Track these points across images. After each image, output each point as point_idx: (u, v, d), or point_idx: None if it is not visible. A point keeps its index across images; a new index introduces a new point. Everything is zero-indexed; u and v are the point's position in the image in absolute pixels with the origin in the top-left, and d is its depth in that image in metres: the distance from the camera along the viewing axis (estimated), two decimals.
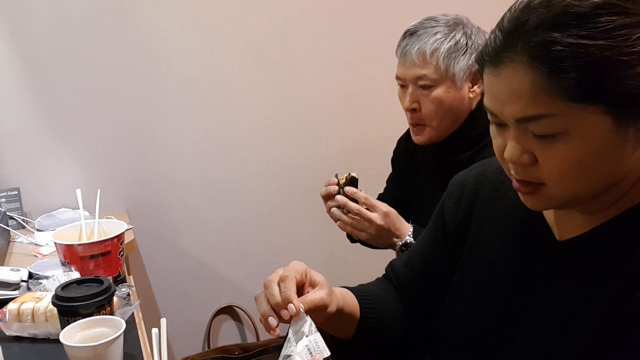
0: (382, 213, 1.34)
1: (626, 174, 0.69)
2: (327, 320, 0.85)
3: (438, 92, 1.35)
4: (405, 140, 1.67)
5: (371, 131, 2.26)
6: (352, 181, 1.38)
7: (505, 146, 0.70)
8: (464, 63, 1.34)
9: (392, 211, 1.35)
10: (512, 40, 0.65)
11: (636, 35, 0.61)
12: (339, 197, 1.38)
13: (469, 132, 1.40)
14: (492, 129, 0.74)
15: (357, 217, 1.36)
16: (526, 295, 0.78)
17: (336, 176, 1.40)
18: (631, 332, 0.65)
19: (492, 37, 0.69)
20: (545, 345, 0.74)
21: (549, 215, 0.80)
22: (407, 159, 1.64)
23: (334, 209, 1.40)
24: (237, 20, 2.07)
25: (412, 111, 1.39)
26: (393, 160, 1.71)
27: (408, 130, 1.67)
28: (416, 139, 1.43)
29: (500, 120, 0.70)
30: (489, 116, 0.72)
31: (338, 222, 1.41)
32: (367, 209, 1.36)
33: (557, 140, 0.65)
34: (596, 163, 0.66)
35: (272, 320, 0.78)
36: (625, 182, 0.70)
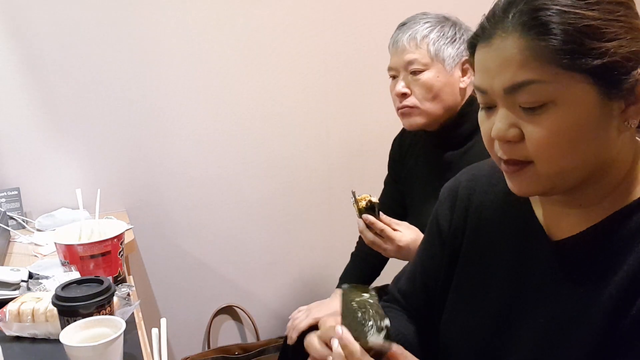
0: (396, 247, 1.34)
1: (613, 161, 0.70)
2: None
3: (428, 75, 1.39)
4: (399, 140, 1.68)
5: (371, 131, 2.26)
6: (372, 208, 1.37)
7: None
8: (453, 51, 1.40)
9: (412, 243, 1.33)
10: (505, 13, 0.69)
11: (621, 12, 0.66)
12: (359, 222, 1.39)
13: (460, 127, 1.42)
14: (481, 114, 0.75)
15: (373, 244, 1.38)
16: (524, 298, 0.78)
17: (353, 194, 1.39)
18: None
19: (484, 18, 0.73)
20: (546, 348, 0.73)
21: (541, 215, 0.80)
22: (401, 159, 1.65)
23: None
24: (237, 20, 2.07)
25: (402, 96, 1.42)
26: (389, 161, 1.72)
27: (402, 130, 1.68)
28: (405, 122, 1.45)
29: (489, 100, 0.72)
30: (478, 99, 0.74)
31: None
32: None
33: (543, 111, 0.67)
34: (582, 137, 0.67)
35: None
36: (613, 173, 0.71)
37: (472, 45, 0.74)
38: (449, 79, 1.40)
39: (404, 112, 1.43)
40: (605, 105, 0.66)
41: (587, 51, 0.65)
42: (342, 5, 2.16)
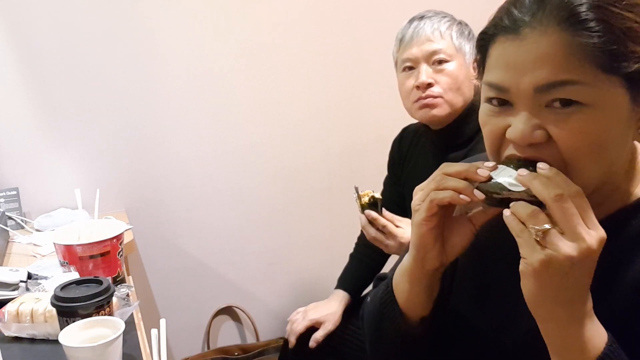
0: (398, 243, 1.34)
1: (616, 171, 0.68)
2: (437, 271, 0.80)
3: (452, 66, 1.39)
4: (399, 141, 1.67)
5: (371, 131, 2.26)
6: (374, 203, 1.36)
7: (505, 127, 0.67)
8: (469, 47, 1.41)
9: None
10: (538, 5, 0.63)
11: None
12: (361, 218, 1.38)
13: (465, 125, 1.41)
14: (488, 110, 0.69)
15: (375, 240, 1.37)
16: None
17: (356, 190, 1.38)
18: None
19: (509, 5, 0.66)
20: None
21: None
22: (401, 160, 1.64)
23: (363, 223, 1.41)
24: (237, 20, 2.06)
25: (426, 87, 1.39)
26: (388, 162, 1.71)
27: (402, 131, 1.68)
28: (428, 113, 1.41)
29: (507, 97, 0.66)
30: (491, 94, 0.68)
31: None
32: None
33: (576, 112, 0.62)
34: (609, 143, 0.64)
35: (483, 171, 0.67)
36: (612, 182, 0.69)
37: (491, 36, 0.67)
38: (467, 74, 1.41)
39: (429, 102, 1.40)
40: (632, 111, 0.64)
41: (628, 54, 0.61)
42: (342, 5, 2.16)
